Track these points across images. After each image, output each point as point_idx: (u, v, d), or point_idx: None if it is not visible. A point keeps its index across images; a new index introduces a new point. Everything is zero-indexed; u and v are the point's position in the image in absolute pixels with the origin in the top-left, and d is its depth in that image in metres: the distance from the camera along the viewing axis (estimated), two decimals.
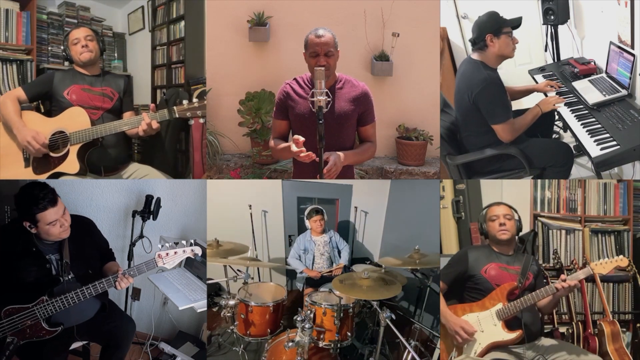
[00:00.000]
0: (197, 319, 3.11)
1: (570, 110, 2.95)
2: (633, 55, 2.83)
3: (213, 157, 3.56)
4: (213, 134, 3.59)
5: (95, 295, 2.25)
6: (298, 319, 2.39)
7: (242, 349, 2.89)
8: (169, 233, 3.17)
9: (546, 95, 3.10)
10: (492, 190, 3.24)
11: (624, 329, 3.00)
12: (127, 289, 3.04)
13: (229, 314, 2.85)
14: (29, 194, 2.17)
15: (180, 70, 3.56)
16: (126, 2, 3.96)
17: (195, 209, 3.16)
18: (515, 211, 2.55)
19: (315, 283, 3.32)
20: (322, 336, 2.59)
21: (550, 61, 3.64)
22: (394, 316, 2.36)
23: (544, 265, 3.11)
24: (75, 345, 2.43)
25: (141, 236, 2.94)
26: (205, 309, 2.83)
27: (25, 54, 3.34)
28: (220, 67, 3.61)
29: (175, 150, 3.34)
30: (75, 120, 2.70)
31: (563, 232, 3.24)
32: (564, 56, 3.56)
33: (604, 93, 2.95)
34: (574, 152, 3.00)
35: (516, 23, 2.78)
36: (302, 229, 3.58)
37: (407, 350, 2.34)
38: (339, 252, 3.53)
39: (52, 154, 2.72)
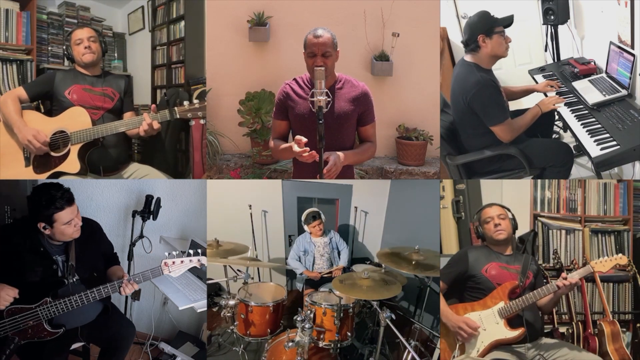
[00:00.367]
0: (197, 319, 3.11)
1: (570, 110, 2.95)
2: (633, 55, 2.83)
3: (213, 157, 3.56)
4: (213, 134, 3.59)
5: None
6: (298, 319, 2.40)
7: (242, 349, 2.89)
8: (169, 233, 3.17)
9: (546, 96, 3.10)
10: (492, 190, 3.24)
11: (624, 329, 2.99)
12: None
13: (229, 314, 2.85)
14: (46, 195, 2.17)
15: (180, 70, 3.57)
16: (126, 2, 3.96)
17: (195, 209, 3.16)
18: (509, 210, 2.55)
19: (315, 284, 3.32)
20: (322, 336, 2.59)
21: (550, 61, 3.64)
22: (394, 316, 2.36)
23: (544, 265, 3.11)
24: (75, 345, 2.43)
25: (141, 236, 2.94)
26: (205, 309, 2.83)
27: (25, 54, 3.34)
28: (220, 67, 3.61)
29: (175, 150, 3.34)
30: (76, 120, 2.71)
31: (563, 232, 3.24)
32: (564, 56, 3.56)
33: (604, 93, 2.95)
34: (574, 152, 2.99)
35: (508, 22, 2.75)
36: (302, 229, 3.58)
37: (407, 350, 2.34)
38: (339, 253, 3.54)
39: (52, 154, 2.72)
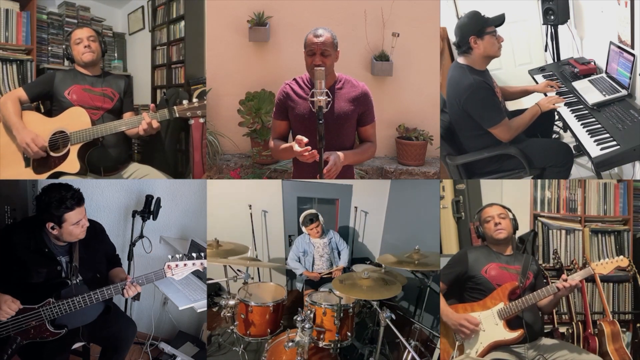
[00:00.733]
0: (197, 319, 3.11)
1: (570, 110, 2.95)
2: (633, 55, 2.83)
3: (213, 157, 3.56)
4: (213, 134, 3.59)
5: None
6: (298, 319, 2.39)
7: (242, 349, 2.89)
8: (169, 233, 3.17)
9: (546, 96, 3.09)
10: (492, 190, 3.24)
11: (624, 329, 3.00)
12: None
13: (229, 314, 2.85)
14: (56, 194, 2.18)
15: (180, 70, 3.57)
16: (126, 2, 3.96)
17: (195, 209, 3.16)
18: (509, 210, 2.55)
19: (315, 284, 3.32)
20: (322, 336, 2.59)
21: (550, 61, 3.64)
22: (394, 316, 2.36)
23: (543, 265, 3.11)
24: (76, 345, 2.43)
25: (141, 236, 2.94)
26: (205, 309, 2.83)
27: (25, 54, 3.34)
28: (220, 67, 3.61)
29: (175, 150, 3.34)
30: (75, 120, 2.71)
31: (563, 232, 3.24)
32: (564, 56, 3.56)
33: (604, 93, 2.95)
34: (574, 152, 2.99)
35: (499, 21, 2.74)
36: (301, 229, 3.58)
37: (407, 350, 2.34)
38: (339, 254, 3.53)
39: (52, 154, 2.72)
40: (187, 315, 3.12)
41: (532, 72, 3.50)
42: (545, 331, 2.62)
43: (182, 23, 3.54)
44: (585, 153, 2.71)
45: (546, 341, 2.40)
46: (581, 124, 2.82)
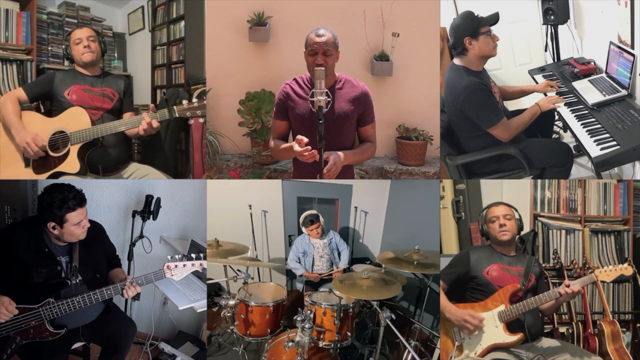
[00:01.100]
0: (197, 319, 3.11)
1: (570, 110, 2.95)
2: (633, 55, 2.83)
3: (213, 157, 3.56)
4: (213, 134, 3.59)
5: None
6: (298, 319, 2.39)
7: (242, 349, 2.89)
8: (169, 233, 3.17)
9: (546, 95, 3.09)
10: (492, 190, 3.24)
11: (624, 329, 3.00)
12: None
13: (229, 314, 2.85)
14: (58, 195, 2.18)
15: (180, 70, 3.57)
16: (126, 2, 3.96)
17: (195, 209, 3.16)
18: (516, 210, 2.54)
19: (315, 284, 3.32)
20: (322, 336, 2.59)
21: (550, 61, 3.64)
22: (394, 316, 2.36)
23: (544, 265, 3.11)
24: (76, 345, 2.43)
25: (141, 236, 2.94)
26: (205, 309, 2.83)
27: (25, 54, 3.34)
28: (220, 67, 3.61)
29: (175, 150, 3.34)
30: (75, 120, 2.71)
31: (563, 232, 3.24)
32: (564, 56, 3.56)
33: (604, 93, 2.95)
34: (574, 152, 2.99)
35: (493, 20, 2.73)
36: (301, 229, 3.58)
37: (407, 350, 2.34)
38: (339, 254, 3.53)
39: (52, 154, 2.72)
40: (187, 315, 3.12)
41: (532, 72, 3.50)
42: (545, 331, 2.61)
43: (182, 23, 3.54)
44: (585, 153, 2.71)
45: (547, 342, 2.39)
46: (581, 124, 2.82)
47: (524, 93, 3.19)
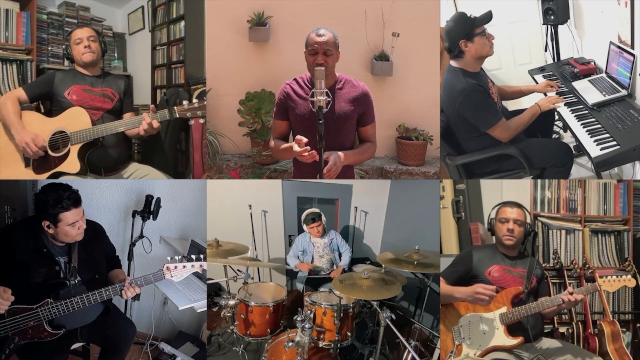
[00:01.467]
0: (197, 319, 3.11)
1: (570, 110, 2.95)
2: (633, 55, 2.83)
3: (213, 157, 3.56)
4: (213, 134, 3.59)
5: None
6: (298, 319, 2.39)
7: (242, 349, 2.89)
8: (169, 233, 3.17)
9: (546, 95, 3.09)
10: (492, 190, 3.24)
11: (624, 329, 3.00)
12: None
13: (229, 314, 2.85)
14: (53, 194, 2.18)
15: (180, 70, 3.56)
16: (126, 2, 3.96)
17: (195, 209, 3.16)
18: (528, 212, 2.51)
19: (315, 284, 3.32)
20: (322, 336, 2.59)
21: (550, 61, 3.64)
22: (394, 316, 2.36)
23: (544, 265, 3.11)
24: (75, 345, 2.43)
25: (141, 236, 2.94)
26: (205, 309, 2.83)
27: (25, 54, 3.34)
28: (220, 67, 3.61)
29: (175, 150, 3.34)
30: (76, 121, 2.70)
31: (563, 232, 3.24)
32: (564, 56, 3.56)
33: (604, 93, 2.95)
34: (574, 152, 2.99)
35: (486, 20, 2.71)
36: (302, 229, 3.58)
37: (407, 350, 2.34)
38: (340, 255, 3.53)
39: (52, 154, 2.72)
40: (187, 315, 3.12)
41: (532, 72, 3.50)
42: (545, 331, 2.61)
43: (182, 23, 3.54)
44: (585, 153, 2.71)
45: (548, 343, 2.39)
46: (581, 124, 2.82)
47: (523, 93, 3.19)
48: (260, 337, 2.77)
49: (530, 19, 3.65)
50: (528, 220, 2.50)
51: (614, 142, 2.60)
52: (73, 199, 2.20)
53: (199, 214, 3.12)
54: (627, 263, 3.09)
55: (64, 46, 2.94)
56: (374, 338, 2.87)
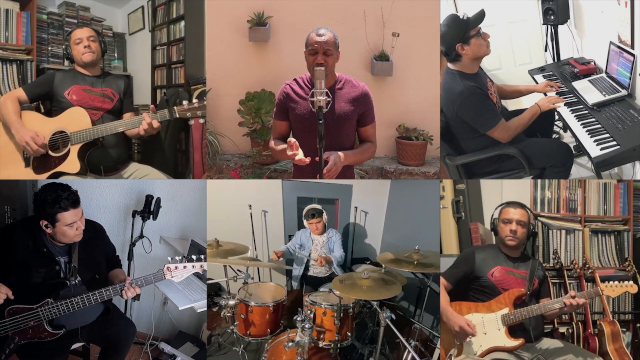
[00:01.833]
0: (197, 319, 3.11)
1: (570, 110, 2.95)
2: (633, 55, 2.83)
3: (213, 157, 3.56)
4: (213, 134, 3.59)
5: None
6: (298, 319, 2.39)
7: (242, 349, 2.89)
8: (169, 233, 3.17)
9: (546, 95, 3.09)
10: (492, 190, 3.24)
11: (624, 329, 2.99)
12: None
13: (229, 314, 2.85)
14: (52, 193, 2.18)
15: (180, 70, 3.56)
16: (126, 2, 3.96)
17: (195, 209, 3.16)
18: (531, 212, 2.51)
19: (315, 284, 3.32)
20: (322, 336, 2.59)
21: (550, 61, 3.64)
22: (394, 316, 2.36)
23: (544, 265, 3.11)
24: (75, 345, 2.43)
25: (141, 236, 2.94)
26: (205, 309, 2.83)
27: (25, 54, 3.34)
28: (220, 67, 3.61)
29: (175, 150, 3.34)
30: (76, 121, 2.71)
31: (563, 232, 3.24)
32: (564, 56, 3.56)
33: (604, 93, 2.95)
34: (574, 152, 2.99)
35: (480, 20, 2.69)
36: (302, 227, 3.58)
37: (407, 350, 2.34)
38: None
39: (52, 154, 2.72)
40: (187, 315, 3.12)
41: (532, 72, 3.50)
42: (546, 331, 2.61)
43: (182, 23, 3.54)
44: (585, 153, 2.71)
45: (549, 343, 2.39)
46: (581, 124, 2.82)
47: (522, 93, 3.19)
48: (260, 337, 2.77)
49: (530, 19, 3.65)
50: (531, 221, 2.49)
51: (614, 142, 2.60)
52: (72, 199, 2.20)
53: (199, 214, 3.12)
54: (627, 263, 3.10)
55: (63, 46, 2.94)
56: (374, 338, 2.87)
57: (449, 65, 2.78)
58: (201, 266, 2.36)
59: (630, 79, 2.87)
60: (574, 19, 3.44)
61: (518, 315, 2.30)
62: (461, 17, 2.68)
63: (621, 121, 2.71)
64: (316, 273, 3.41)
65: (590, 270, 3.02)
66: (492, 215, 2.55)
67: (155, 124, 2.62)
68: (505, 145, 2.79)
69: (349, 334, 2.62)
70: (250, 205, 3.68)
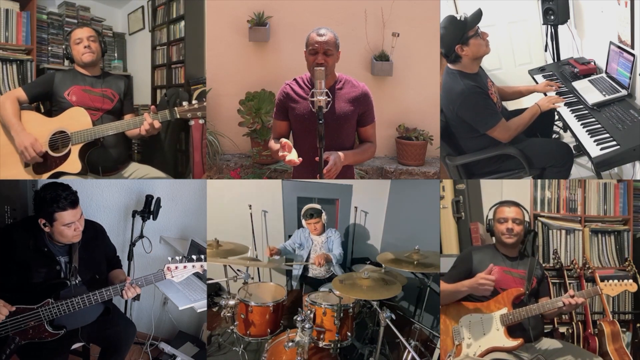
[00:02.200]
0: (197, 319, 3.11)
1: (570, 110, 2.95)
2: (633, 55, 2.83)
3: (213, 157, 3.56)
4: (213, 134, 3.59)
5: None
6: (298, 319, 2.39)
7: (242, 349, 2.89)
8: (169, 233, 3.17)
9: (546, 95, 3.09)
10: (492, 190, 3.24)
11: (624, 329, 3.00)
12: None
13: (229, 314, 2.85)
14: (51, 192, 2.18)
15: (180, 70, 3.57)
16: (126, 2, 3.96)
17: (195, 209, 3.16)
18: (526, 211, 2.51)
19: (315, 284, 3.32)
20: (322, 336, 2.59)
21: (550, 61, 3.64)
22: (394, 316, 2.36)
23: (544, 265, 3.11)
24: (75, 345, 2.43)
25: (141, 236, 2.94)
26: (205, 309, 2.83)
27: (25, 54, 3.34)
28: (220, 67, 3.61)
29: (175, 150, 3.34)
30: (76, 121, 2.70)
31: (563, 232, 3.24)
32: (564, 56, 3.56)
33: (603, 93, 2.95)
34: (574, 152, 2.99)
35: (477, 20, 2.68)
36: (301, 224, 3.58)
37: (407, 350, 2.34)
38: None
39: (52, 154, 2.71)
40: (187, 315, 3.12)
41: (532, 72, 3.50)
42: (546, 331, 2.61)
43: (182, 23, 3.54)
44: (585, 153, 2.71)
45: (548, 343, 2.39)
46: (581, 124, 2.82)
47: (523, 94, 3.19)
48: (260, 337, 2.77)
49: (530, 19, 3.65)
50: (527, 219, 2.49)
51: (614, 142, 2.60)
52: (70, 199, 2.20)
53: (199, 214, 3.12)
54: (627, 263, 3.10)
55: (63, 46, 2.94)
56: (374, 338, 2.87)
57: (449, 65, 2.78)
58: (201, 266, 2.36)
59: (630, 79, 2.87)
60: (574, 19, 3.44)
61: (517, 315, 2.30)
62: (458, 18, 2.68)
63: (621, 121, 2.71)
64: (315, 275, 3.41)
65: (590, 270, 3.02)
66: (487, 216, 2.55)
67: (157, 124, 2.62)
68: (505, 145, 2.79)
69: (349, 334, 2.62)
70: (250, 205, 3.68)
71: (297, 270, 3.48)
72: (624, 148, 2.56)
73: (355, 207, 4.25)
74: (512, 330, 2.32)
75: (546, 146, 2.92)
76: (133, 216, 2.95)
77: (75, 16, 3.75)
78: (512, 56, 3.70)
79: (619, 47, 2.98)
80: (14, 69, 3.29)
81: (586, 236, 3.23)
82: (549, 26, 3.52)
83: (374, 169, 3.65)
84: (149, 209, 2.95)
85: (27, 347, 2.20)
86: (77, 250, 2.28)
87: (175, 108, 2.63)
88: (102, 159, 2.80)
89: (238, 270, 3.20)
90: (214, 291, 3.42)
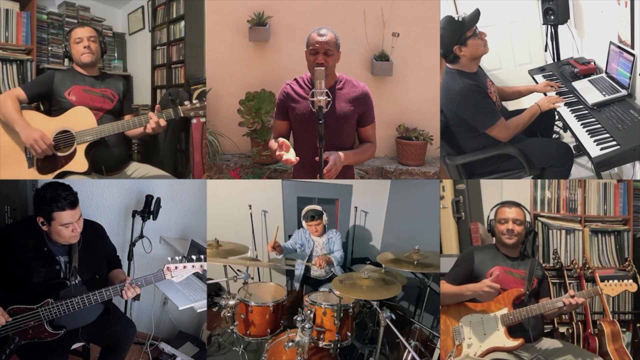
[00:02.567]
0: (197, 319, 3.11)
1: (570, 110, 2.95)
2: (633, 55, 2.83)
3: (213, 157, 3.56)
4: (213, 134, 3.59)
5: None
6: (298, 319, 2.40)
7: (242, 349, 2.89)
8: (169, 233, 3.17)
9: (546, 95, 3.09)
10: (492, 190, 3.24)
11: (624, 329, 2.99)
12: None
13: (229, 314, 2.85)
14: (51, 191, 2.18)
15: (180, 70, 3.57)
16: (126, 2, 3.96)
17: (195, 209, 3.16)
18: (527, 212, 2.51)
19: (315, 284, 3.32)
20: (322, 336, 2.59)
21: (550, 61, 3.64)
22: (394, 316, 2.36)
23: (544, 265, 3.11)
24: (75, 345, 2.43)
25: (141, 236, 2.94)
26: (205, 309, 2.83)
27: (25, 54, 3.34)
28: (220, 67, 3.61)
29: (175, 150, 3.34)
30: (81, 120, 2.68)
31: (563, 232, 3.24)
32: (564, 56, 3.56)
33: (603, 93, 2.95)
34: (574, 152, 2.99)
35: (475, 20, 2.69)
36: (301, 226, 3.58)
37: (407, 350, 2.34)
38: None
39: (58, 153, 2.70)
40: (187, 315, 3.12)
41: (532, 72, 3.50)
42: (546, 331, 2.62)
43: (182, 23, 3.54)
44: (585, 153, 2.71)
45: (548, 343, 2.39)
46: (581, 124, 2.82)
47: (523, 94, 3.19)
48: (260, 337, 2.77)
49: (530, 19, 3.65)
50: (527, 219, 2.49)
51: (614, 142, 2.60)
52: (70, 200, 2.19)
53: (199, 214, 3.12)
54: (627, 263, 3.09)
55: (63, 44, 2.93)
56: (374, 338, 2.87)
57: (448, 65, 2.79)
58: (201, 266, 2.36)
59: (630, 79, 2.87)
60: (574, 19, 3.44)
61: (517, 316, 2.30)
62: (456, 18, 2.69)
63: (621, 121, 2.71)
64: (316, 276, 3.41)
65: (590, 271, 3.02)
66: (488, 216, 2.55)
67: (162, 122, 2.62)
68: (505, 145, 2.79)
69: (349, 334, 2.62)
70: (250, 205, 3.68)
71: (299, 271, 3.47)
72: (624, 148, 2.56)
73: (355, 207, 4.25)
74: (513, 330, 2.32)
75: (546, 146, 2.92)
76: (133, 216, 2.95)
77: (75, 16, 3.75)
78: (512, 56, 3.70)
79: (619, 47, 2.98)
80: (14, 69, 3.29)
81: (586, 236, 3.23)
82: (549, 26, 3.52)
83: (374, 169, 3.65)
84: (149, 209, 2.95)
85: (27, 347, 2.20)
86: (77, 250, 2.28)
87: (179, 107, 2.64)
88: (105, 158, 2.80)
89: (238, 270, 3.20)
90: (214, 291, 3.42)
